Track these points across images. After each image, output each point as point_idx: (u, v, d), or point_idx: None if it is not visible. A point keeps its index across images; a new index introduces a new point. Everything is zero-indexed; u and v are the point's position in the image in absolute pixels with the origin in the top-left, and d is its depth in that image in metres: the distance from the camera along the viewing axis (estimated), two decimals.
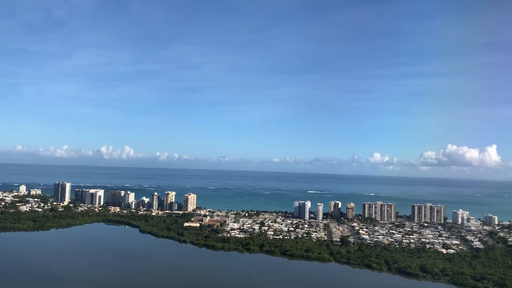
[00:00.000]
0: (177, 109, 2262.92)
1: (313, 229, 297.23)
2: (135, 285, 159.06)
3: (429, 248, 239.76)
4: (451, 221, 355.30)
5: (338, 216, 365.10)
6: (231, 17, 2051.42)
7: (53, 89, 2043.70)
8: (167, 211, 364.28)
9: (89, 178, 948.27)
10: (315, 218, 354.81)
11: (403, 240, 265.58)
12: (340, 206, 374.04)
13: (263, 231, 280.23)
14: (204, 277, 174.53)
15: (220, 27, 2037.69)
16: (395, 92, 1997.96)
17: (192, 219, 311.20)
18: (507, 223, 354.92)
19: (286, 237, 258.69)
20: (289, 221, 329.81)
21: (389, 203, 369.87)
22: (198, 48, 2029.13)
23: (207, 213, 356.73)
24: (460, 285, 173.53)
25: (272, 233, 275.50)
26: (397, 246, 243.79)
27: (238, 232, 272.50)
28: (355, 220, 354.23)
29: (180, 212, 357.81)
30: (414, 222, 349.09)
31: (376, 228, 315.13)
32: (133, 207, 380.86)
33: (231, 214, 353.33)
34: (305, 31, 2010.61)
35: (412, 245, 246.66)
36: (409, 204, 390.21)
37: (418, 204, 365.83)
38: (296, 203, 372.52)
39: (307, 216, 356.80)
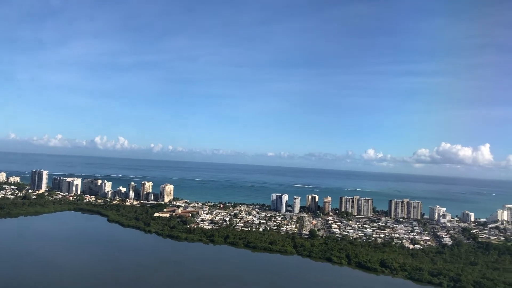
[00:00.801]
0: (173, 101, 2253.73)
1: (285, 222, 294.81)
2: (88, 272, 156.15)
3: (396, 243, 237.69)
4: (428, 217, 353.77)
5: (314, 209, 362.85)
6: (230, 10, 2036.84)
7: (49, 78, 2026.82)
8: (142, 201, 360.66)
9: (79, 168, 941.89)
10: (291, 211, 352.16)
11: (373, 235, 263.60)
12: (317, 199, 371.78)
13: (233, 223, 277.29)
14: (154, 266, 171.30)
15: (219, 20, 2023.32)
16: (390, 90, 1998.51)
17: (164, 209, 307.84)
18: (484, 220, 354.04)
19: (254, 229, 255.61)
20: (263, 214, 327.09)
21: (366, 198, 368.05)
22: (196, 40, 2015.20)
23: (183, 204, 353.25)
24: (416, 280, 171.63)
25: (242, 225, 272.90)
26: (364, 240, 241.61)
27: (207, 224, 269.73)
28: (331, 213, 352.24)
29: (156, 202, 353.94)
30: (390, 217, 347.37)
31: (350, 222, 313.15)
32: (109, 196, 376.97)
33: (206, 205, 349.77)
34: (304, 26, 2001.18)
35: (380, 240, 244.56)
36: (392, 199, 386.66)
37: (395, 200, 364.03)
38: (274, 196, 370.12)
39: (283, 209, 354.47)
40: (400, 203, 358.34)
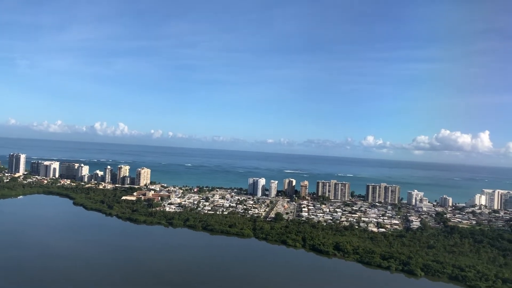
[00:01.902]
0: (173, 87, 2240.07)
1: (256, 206, 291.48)
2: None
3: (361, 227, 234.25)
4: (406, 202, 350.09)
5: (291, 193, 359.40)
6: None
7: (48, 63, 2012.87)
8: (118, 185, 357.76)
9: (76, 153, 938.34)
10: (268, 195, 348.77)
11: (341, 219, 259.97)
12: (294, 183, 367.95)
13: (200, 206, 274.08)
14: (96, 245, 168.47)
15: (219, 6, 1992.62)
16: (390, 76, 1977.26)
17: (135, 193, 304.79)
18: (463, 204, 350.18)
19: (219, 213, 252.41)
20: (237, 198, 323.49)
21: (344, 182, 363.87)
22: (196, 26, 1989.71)
23: (158, 188, 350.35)
24: (365, 263, 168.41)
25: (210, 208, 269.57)
26: (328, 224, 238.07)
27: (174, 207, 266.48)
28: (308, 198, 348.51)
29: (133, 186, 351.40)
30: (367, 202, 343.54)
31: (323, 206, 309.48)
32: (85, 180, 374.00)
33: (180, 189, 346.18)
34: (305, 12, 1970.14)
35: (344, 224, 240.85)
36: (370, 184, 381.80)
37: (373, 184, 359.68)
38: (250, 180, 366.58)
39: (259, 193, 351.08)
40: (377, 187, 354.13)
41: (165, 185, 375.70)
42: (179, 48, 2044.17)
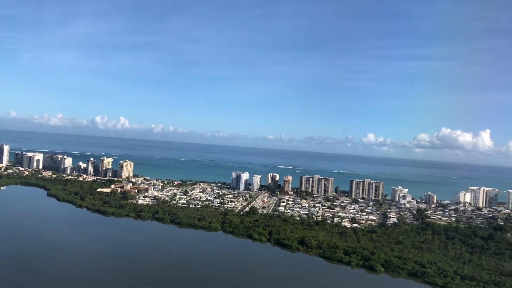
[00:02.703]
0: (175, 82, 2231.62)
1: (234, 200, 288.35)
2: None
3: (334, 222, 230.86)
4: (390, 198, 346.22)
5: (274, 188, 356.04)
6: None
7: (50, 57, 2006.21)
8: (99, 177, 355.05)
9: (72, 146, 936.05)
10: (250, 190, 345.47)
11: (317, 213, 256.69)
12: (277, 178, 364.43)
13: (177, 199, 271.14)
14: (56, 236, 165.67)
15: (222, 1, 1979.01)
16: (392, 74, 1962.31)
17: (112, 185, 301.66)
18: (447, 202, 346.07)
19: (192, 206, 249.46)
20: (218, 191, 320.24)
21: (327, 177, 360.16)
22: (198, 21, 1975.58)
23: (139, 181, 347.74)
24: (327, 258, 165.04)
25: (185, 202, 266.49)
26: (300, 218, 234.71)
27: (149, 200, 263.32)
28: (290, 192, 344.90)
29: (115, 178, 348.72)
30: (350, 198, 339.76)
31: (304, 201, 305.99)
32: (68, 172, 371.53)
33: (160, 182, 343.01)
34: (306, 8, 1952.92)
35: (318, 218, 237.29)
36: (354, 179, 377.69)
37: (357, 180, 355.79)
38: (234, 174, 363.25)
39: (242, 187, 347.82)
40: (361, 183, 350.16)
41: (148, 178, 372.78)
42: (181, 44, 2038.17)
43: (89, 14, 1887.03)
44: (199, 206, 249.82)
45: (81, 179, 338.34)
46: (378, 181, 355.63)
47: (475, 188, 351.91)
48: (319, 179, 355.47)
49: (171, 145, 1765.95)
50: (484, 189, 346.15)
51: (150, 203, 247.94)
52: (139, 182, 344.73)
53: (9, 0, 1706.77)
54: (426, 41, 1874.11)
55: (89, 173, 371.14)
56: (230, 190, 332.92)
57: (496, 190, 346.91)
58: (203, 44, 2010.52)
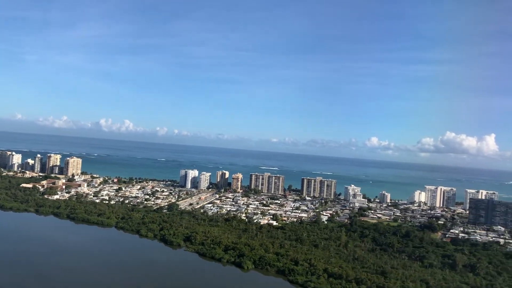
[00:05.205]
0: (179, 85, 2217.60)
1: (170, 197, 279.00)
2: None
3: (249, 218, 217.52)
4: (343, 197, 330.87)
5: (224, 185, 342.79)
6: None
7: (56, 59, 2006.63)
8: (44, 174, 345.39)
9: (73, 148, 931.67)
10: (197, 187, 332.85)
11: (247, 210, 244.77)
12: (227, 176, 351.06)
13: (100, 195, 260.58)
14: None
15: (226, 4, 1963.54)
16: (396, 77, 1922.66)
17: (44, 181, 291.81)
18: (403, 201, 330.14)
19: (106, 202, 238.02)
20: (157, 189, 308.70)
21: (278, 175, 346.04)
22: (203, 24, 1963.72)
23: (85, 178, 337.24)
24: (201, 255, 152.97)
25: (107, 198, 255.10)
26: (212, 214, 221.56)
27: (68, 196, 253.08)
28: (239, 190, 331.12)
29: (60, 175, 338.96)
30: (300, 196, 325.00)
31: (244, 198, 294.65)
32: (15, 168, 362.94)
33: (99, 179, 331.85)
34: (312, 11, 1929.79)
35: (239, 215, 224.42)
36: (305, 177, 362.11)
37: (308, 178, 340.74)
38: (182, 172, 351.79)
39: (189, 185, 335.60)
40: (313, 181, 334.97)
41: (97, 175, 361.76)
42: (185, 46, 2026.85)
43: (95, 17, 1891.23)
44: (112, 202, 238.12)
45: (26, 175, 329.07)
46: (330, 180, 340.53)
47: (432, 187, 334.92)
48: (269, 176, 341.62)
49: (167, 147, 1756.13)
50: (441, 189, 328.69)
51: (61, 199, 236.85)
52: (83, 178, 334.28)
53: (15, 3, 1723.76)
54: (431, 44, 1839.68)
55: (36, 170, 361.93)
56: (171, 188, 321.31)
57: (454, 189, 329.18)
58: (208, 47, 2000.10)
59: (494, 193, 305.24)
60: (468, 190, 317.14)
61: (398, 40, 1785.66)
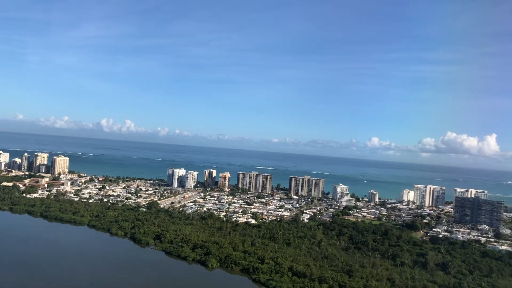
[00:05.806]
0: (181, 85, 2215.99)
1: (150, 196, 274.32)
2: None
3: (228, 216, 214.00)
4: (331, 196, 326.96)
5: (211, 184, 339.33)
6: None
7: (57, 60, 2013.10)
8: (30, 173, 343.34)
9: (72, 148, 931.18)
10: (184, 186, 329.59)
11: (228, 209, 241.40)
12: (214, 175, 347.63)
13: (81, 194, 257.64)
14: None
15: (228, 5, 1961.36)
16: (397, 78, 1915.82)
17: (27, 180, 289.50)
18: (392, 200, 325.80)
19: (84, 201, 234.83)
20: (142, 188, 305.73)
21: (265, 174, 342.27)
22: (204, 25, 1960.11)
23: (71, 177, 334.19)
24: (168, 253, 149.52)
25: (88, 196, 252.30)
26: (192, 212, 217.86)
27: (47, 194, 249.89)
28: (227, 189, 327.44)
29: (46, 174, 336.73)
30: (288, 195, 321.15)
31: (229, 197, 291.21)
32: (1, 167, 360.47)
33: (84, 178, 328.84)
34: (313, 12, 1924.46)
35: (219, 214, 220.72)
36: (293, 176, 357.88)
37: (296, 176, 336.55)
38: (169, 171, 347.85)
39: (175, 184, 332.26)
40: (301, 180, 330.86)
41: (85, 174, 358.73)
42: (187, 47, 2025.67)
43: (97, 18, 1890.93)
44: (91, 201, 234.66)
45: (12, 174, 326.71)
46: (318, 178, 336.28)
47: (421, 186, 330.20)
48: (256, 175, 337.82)
49: (168, 147, 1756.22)
50: (431, 187, 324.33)
51: (41, 197, 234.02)
52: (68, 177, 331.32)
53: (17, 4, 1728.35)
54: (432, 45, 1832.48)
55: (23, 169, 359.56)
56: (156, 187, 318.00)
57: (444, 188, 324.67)
58: (209, 47, 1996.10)
59: (483, 192, 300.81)
60: (458, 189, 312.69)
61: (399, 41, 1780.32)
